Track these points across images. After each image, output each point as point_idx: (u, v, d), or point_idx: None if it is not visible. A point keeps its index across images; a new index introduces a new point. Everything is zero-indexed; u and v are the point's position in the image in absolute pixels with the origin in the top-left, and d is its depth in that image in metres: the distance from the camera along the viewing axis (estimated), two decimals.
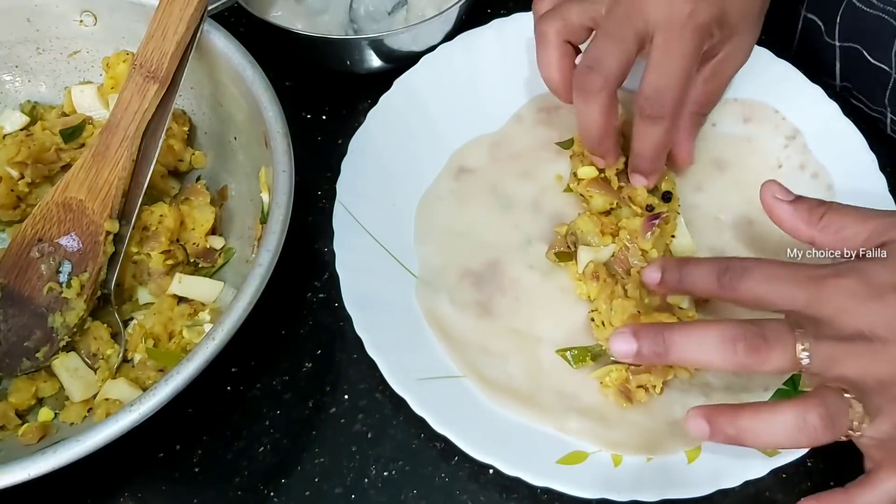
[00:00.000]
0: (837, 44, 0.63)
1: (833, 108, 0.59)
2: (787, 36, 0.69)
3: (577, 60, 0.53)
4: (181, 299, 0.55)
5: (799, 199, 0.48)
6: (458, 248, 0.57)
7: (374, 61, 0.63)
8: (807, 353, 0.42)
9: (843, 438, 0.42)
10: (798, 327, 0.43)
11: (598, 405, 0.51)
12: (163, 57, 0.53)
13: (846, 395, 0.42)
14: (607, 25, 0.50)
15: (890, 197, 0.55)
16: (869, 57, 0.61)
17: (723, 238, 0.57)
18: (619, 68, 0.50)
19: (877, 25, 0.60)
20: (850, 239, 0.46)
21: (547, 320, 0.54)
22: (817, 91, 0.59)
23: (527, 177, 0.60)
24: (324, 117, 0.65)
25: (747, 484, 0.47)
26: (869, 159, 0.56)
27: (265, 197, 0.53)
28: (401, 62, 0.62)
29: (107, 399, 0.51)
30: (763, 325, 0.43)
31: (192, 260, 0.57)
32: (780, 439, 0.42)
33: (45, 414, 0.51)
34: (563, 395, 0.51)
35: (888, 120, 0.63)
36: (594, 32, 0.52)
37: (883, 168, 0.56)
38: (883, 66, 0.61)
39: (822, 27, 0.64)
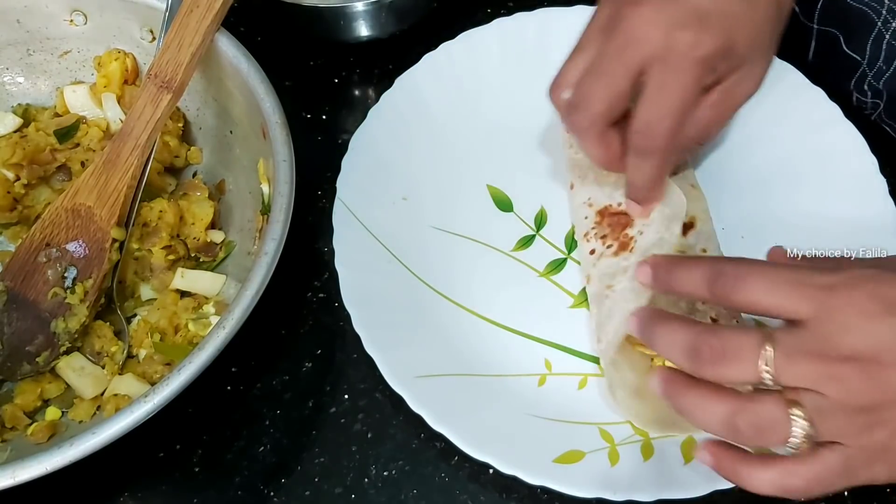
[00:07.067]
0: (815, 27, 0.63)
1: (834, 109, 0.58)
2: None
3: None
4: (184, 294, 0.55)
5: None
6: None
7: (364, 30, 0.63)
8: (769, 374, 0.38)
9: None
10: (769, 340, 0.38)
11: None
12: (177, 68, 0.53)
13: (794, 413, 0.38)
14: (597, 62, 0.48)
15: (890, 199, 0.55)
16: (844, 45, 0.61)
17: None
18: (604, 106, 0.48)
19: (858, 16, 0.59)
20: None
21: None
22: (818, 93, 0.59)
23: None
24: (324, 117, 0.65)
25: None
26: (870, 161, 0.56)
27: (265, 188, 0.53)
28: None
29: (115, 395, 0.51)
30: (725, 336, 0.40)
31: (193, 255, 0.57)
32: (709, 428, 0.40)
33: (52, 413, 0.51)
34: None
35: (853, 99, 0.63)
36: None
37: (883, 170, 0.56)
38: (856, 56, 0.61)
39: (798, 9, 0.64)
